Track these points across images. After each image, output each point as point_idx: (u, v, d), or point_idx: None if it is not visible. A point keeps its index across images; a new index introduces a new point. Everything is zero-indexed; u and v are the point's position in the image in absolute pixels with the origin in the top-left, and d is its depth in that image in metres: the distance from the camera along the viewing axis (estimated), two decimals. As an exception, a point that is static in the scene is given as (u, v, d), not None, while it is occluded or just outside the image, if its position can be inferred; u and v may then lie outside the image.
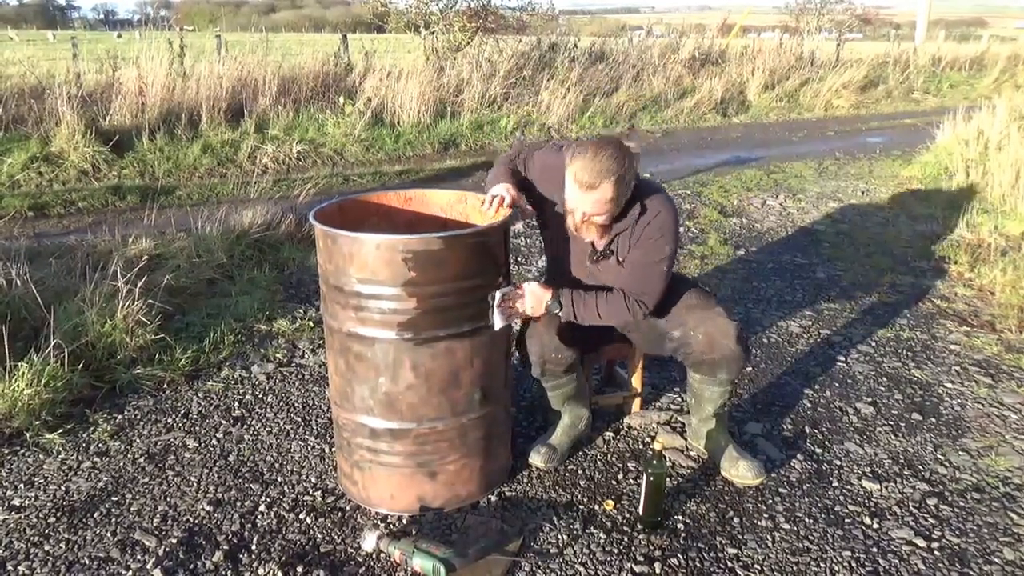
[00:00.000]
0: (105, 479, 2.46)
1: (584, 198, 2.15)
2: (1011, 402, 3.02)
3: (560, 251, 2.44)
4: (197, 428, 2.78)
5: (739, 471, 2.41)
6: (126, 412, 2.88)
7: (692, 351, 2.36)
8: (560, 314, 2.27)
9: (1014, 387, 3.14)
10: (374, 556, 2.09)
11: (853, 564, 2.10)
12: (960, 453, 2.65)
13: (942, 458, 2.62)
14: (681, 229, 2.41)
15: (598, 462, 2.57)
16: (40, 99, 6.96)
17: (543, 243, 2.49)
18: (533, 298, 2.24)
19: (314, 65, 8.95)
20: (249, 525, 2.23)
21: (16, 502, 2.33)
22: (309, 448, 2.65)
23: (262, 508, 2.31)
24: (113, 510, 2.30)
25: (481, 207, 2.29)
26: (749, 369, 3.27)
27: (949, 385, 3.16)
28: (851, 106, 12.81)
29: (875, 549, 2.16)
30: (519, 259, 4.51)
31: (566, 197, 2.23)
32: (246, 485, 2.43)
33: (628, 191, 2.20)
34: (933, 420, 2.88)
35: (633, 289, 2.26)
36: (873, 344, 3.55)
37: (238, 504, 2.33)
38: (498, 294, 2.16)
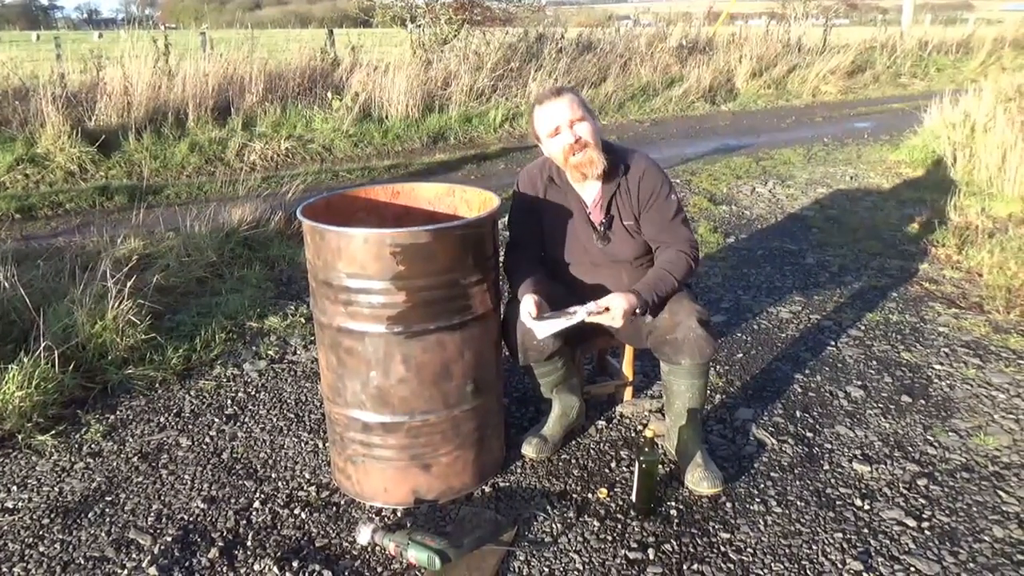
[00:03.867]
0: (98, 479, 2.46)
1: (559, 104, 2.25)
2: (999, 382, 3.04)
3: (568, 249, 2.45)
4: (190, 426, 2.78)
5: (694, 477, 2.33)
6: (118, 412, 2.87)
7: (657, 329, 2.35)
8: (648, 310, 2.26)
9: (1002, 367, 3.17)
10: (369, 549, 2.10)
11: (845, 545, 2.12)
12: (949, 434, 2.68)
13: (931, 439, 2.65)
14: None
15: (591, 451, 2.59)
16: (24, 100, 6.91)
17: (547, 250, 2.48)
18: (624, 314, 2.18)
19: (301, 61, 8.92)
20: (244, 522, 2.24)
21: (9, 504, 2.33)
22: (302, 444, 2.66)
23: (257, 504, 2.32)
24: (107, 510, 2.30)
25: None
26: (740, 356, 3.29)
27: (938, 367, 3.18)
28: (839, 92, 12.83)
29: (866, 530, 2.18)
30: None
31: (545, 126, 2.29)
32: (240, 482, 2.43)
33: (594, 117, 2.32)
34: (922, 402, 2.90)
35: (674, 246, 2.36)
36: (863, 328, 3.57)
37: (232, 501, 2.34)
38: (582, 313, 2.16)
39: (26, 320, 3.18)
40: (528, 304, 2.20)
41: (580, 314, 2.16)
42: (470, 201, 2.51)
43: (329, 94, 8.43)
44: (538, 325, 2.16)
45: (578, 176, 2.33)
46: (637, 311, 2.23)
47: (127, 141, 6.94)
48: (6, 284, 3.31)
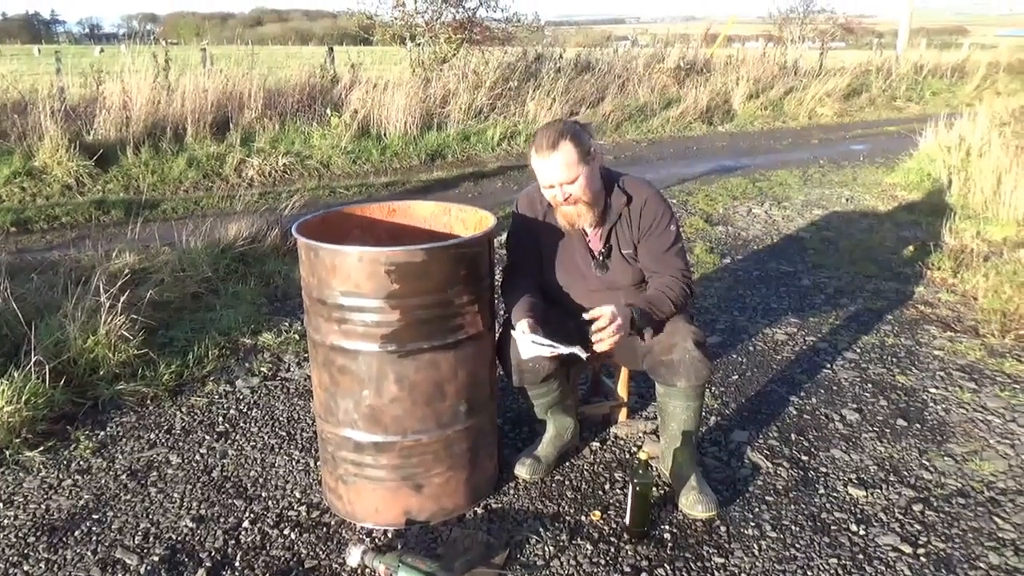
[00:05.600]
0: (86, 497, 2.43)
1: (552, 163, 2.19)
2: (994, 406, 3.03)
3: (565, 273, 2.44)
4: (180, 444, 2.75)
5: (688, 501, 2.31)
6: (108, 428, 2.85)
7: (653, 350, 2.33)
8: (642, 326, 2.22)
9: (997, 391, 3.16)
10: (359, 571, 2.07)
11: (840, 571, 2.09)
12: (945, 458, 2.66)
13: (927, 463, 2.63)
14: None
15: (584, 472, 2.57)
16: (23, 114, 6.92)
17: (545, 273, 2.46)
18: (619, 325, 2.15)
19: (300, 77, 8.97)
20: (233, 541, 2.21)
21: (-5, 522, 2.30)
22: (294, 462, 2.63)
23: (246, 524, 2.29)
24: (94, 528, 2.27)
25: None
26: (735, 377, 3.28)
27: (933, 390, 3.17)
28: (835, 114, 12.93)
29: (861, 556, 2.16)
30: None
31: (540, 179, 2.26)
32: (230, 501, 2.41)
33: (594, 159, 2.25)
34: (918, 426, 2.89)
35: (667, 274, 2.34)
36: (858, 350, 3.56)
37: (221, 520, 2.31)
38: (576, 350, 2.13)
39: (18, 334, 3.16)
40: (523, 326, 2.19)
41: (573, 349, 2.13)
42: (466, 220, 2.50)
43: (328, 111, 8.47)
44: (526, 344, 2.15)
45: (565, 224, 2.32)
46: (633, 318, 2.20)
47: (125, 155, 6.95)
48: (-1, 298, 3.29)
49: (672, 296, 2.29)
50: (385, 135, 8.62)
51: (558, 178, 2.21)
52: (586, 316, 2.18)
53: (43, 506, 2.38)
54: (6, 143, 6.69)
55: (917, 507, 2.38)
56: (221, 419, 2.93)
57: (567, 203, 2.25)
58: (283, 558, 2.14)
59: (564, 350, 2.12)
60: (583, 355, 2.14)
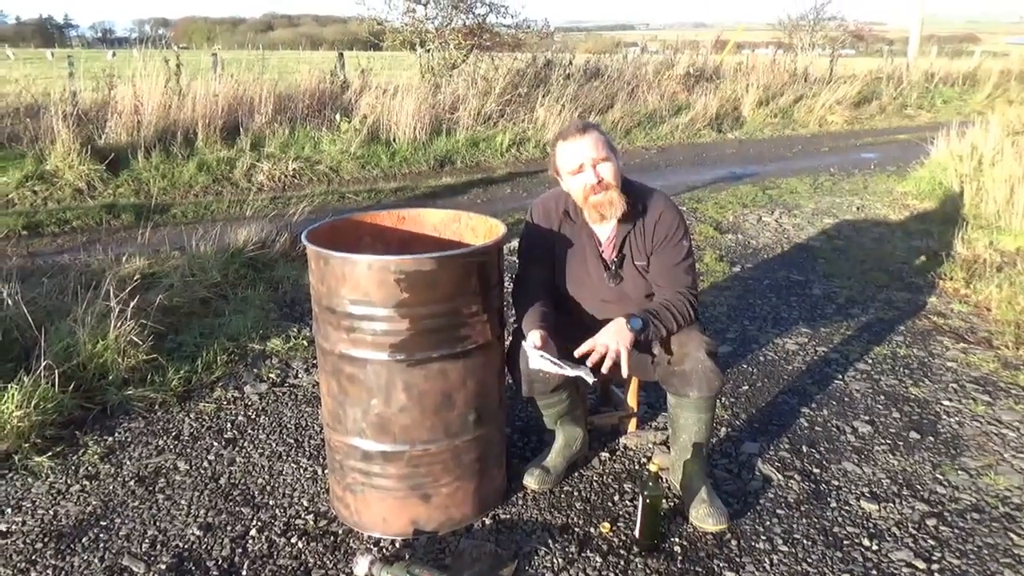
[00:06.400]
0: (94, 503, 2.42)
1: (584, 142, 2.23)
2: (1009, 420, 3.00)
3: (577, 283, 2.42)
4: (188, 450, 2.75)
5: (699, 513, 2.28)
6: (117, 434, 2.84)
7: (664, 361, 2.31)
8: (642, 333, 2.20)
9: (1012, 404, 3.12)
10: (366, 581, 2.06)
11: (852, 587, 2.07)
12: (959, 472, 2.63)
13: (941, 477, 2.60)
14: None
15: (594, 483, 2.55)
16: (36, 117, 6.98)
17: (557, 283, 2.45)
18: (615, 335, 2.15)
19: (310, 83, 9.00)
20: (240, 550, 2.20)
21: (3, 527, 2.30)
22: (301, 470, 2.62)
23: (253, 532, 2.28)
24: (101, 535, 2.26)
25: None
26: (746, 388, 3.25)
27: (947, 403, 3.14)
28: (845, 122, 12.87)
29: (874, 572, 2.13)
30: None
31: (568, 163, 2.27)
32: (237, 508, 2.40)
33: (618, 156, 2.29)
34: (931, 439, 2.86)
35: (673, 289, 2.33)
36: (870, 361, 3.53)
37: (229, 528, 2.30)
38: (583, 373, 2.12)
39: (28, 338, 3.17)
40: (534, 338, 2.18)
41: (579, 372, 2.12)
42: (476, 228, 2.50)
43: (338, 116, 8.49)
44: (535, 357, 2.13)
45: (596, 216, 2.30)
46: (631, 329, 2.17)
47: (136, 159, 6.98)
48: (9, 301, 3.30)
49: (676, 312, 2.27)
50: (394, 140, 8.63)
51: (591, 155, 2.22)
52: (576, 353, 2.17)
53: (51, 512, 2.37)
54: (19, 146, 6.73)
55: (931, 522, 2.35)
56: (229, 425, 2.93)
57: (599, 188, 2.23)
58: (290, 567, 2.13)
59: (571, 373, 2.11)
60: (589, 380, 2.13)
